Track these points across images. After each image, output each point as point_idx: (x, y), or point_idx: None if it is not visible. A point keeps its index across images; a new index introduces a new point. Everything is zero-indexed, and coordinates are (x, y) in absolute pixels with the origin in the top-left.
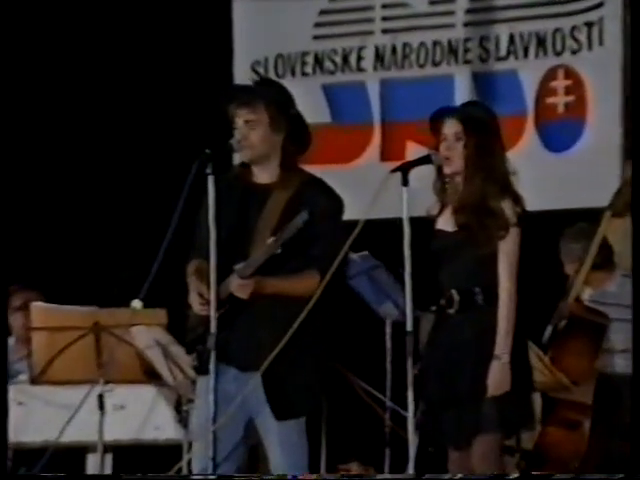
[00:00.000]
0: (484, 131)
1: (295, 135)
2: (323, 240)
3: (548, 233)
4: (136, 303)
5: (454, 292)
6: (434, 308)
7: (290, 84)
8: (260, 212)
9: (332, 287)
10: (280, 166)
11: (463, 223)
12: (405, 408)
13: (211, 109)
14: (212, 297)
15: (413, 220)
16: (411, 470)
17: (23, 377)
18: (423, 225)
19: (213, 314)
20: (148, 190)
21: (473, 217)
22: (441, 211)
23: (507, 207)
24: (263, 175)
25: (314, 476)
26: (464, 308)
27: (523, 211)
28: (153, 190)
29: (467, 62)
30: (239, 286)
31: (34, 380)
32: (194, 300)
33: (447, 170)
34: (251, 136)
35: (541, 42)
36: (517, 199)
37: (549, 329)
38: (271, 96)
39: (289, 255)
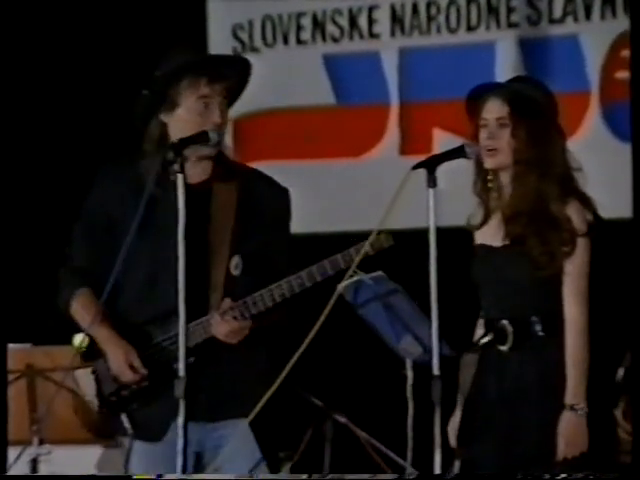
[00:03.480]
0: (538, 115)
1: None
2: (285, 252)
3: (623, 247)
4: (80, 339)
5: (506, 323)
6: (480, 342)
7: (283, 54)
8: (207, 221)
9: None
10: (213, 158)
11: (517, 235)
12: (431, 476)
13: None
14: (181, 332)
15: (443, 231)
16: None
17: None
18: (457, 237)
19: (182, 351)
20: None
21: (530, 228)
22: (485, 220)
23: (574, 213)
24: (194, 171)
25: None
26: (520, 344)
27: (595, 218)
28: None
29: (512, 25)
30: (232, 332)
31: None
32: (123, 371)
33: (489, 164)
34: (224, 120)
35: None
36: (586, 202)
37: (621, 371)
38: (248, 68)
39: (250, 273)
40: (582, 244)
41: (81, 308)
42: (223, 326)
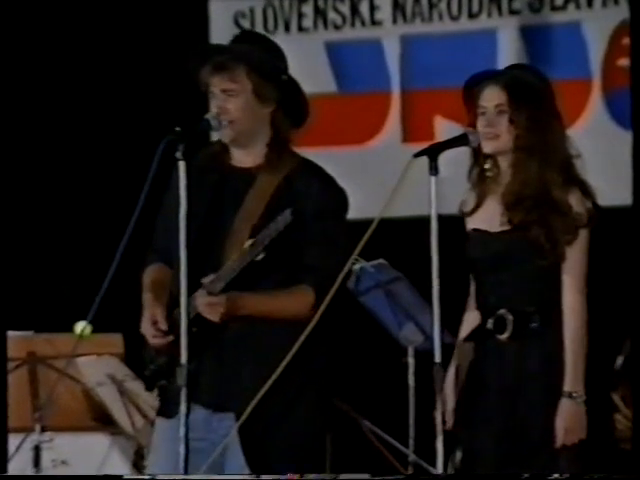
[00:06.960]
0: (536, 101)
1: (288, 106)
2: (319, 245)
3: (623, 234)
4: (83, 326)
5: (505, 312)
6: (481, 330)
7: (284, 42)
8: (239, 205)
9: (334, 305)
10: (268, 146)
11: (520, 221)
12: (433, 463)
13: (181, 76)
14: (182, 316)
15: (444, 219)
16: None
17: None
18: (458, 225)
19: (184, 339)
20: (97, 177)
21: (534, 214)
22: (478, 205)
23: (575, 201)
24: (245, 157)
25: (313, 476)
26: (518, 333)
27: (594, 206)
28: (104, 177)
29: (514, 13)
30: (207, 305)
31: None
32: (146, 328)
33: (488, 149)
34: (230, 108)
35: None
36: (586, 190)
37: (620, 360)
38: (254, 57)
39: (275, 263)
40: (582, 233)
41: (146, 279)
42: (198, 300)
